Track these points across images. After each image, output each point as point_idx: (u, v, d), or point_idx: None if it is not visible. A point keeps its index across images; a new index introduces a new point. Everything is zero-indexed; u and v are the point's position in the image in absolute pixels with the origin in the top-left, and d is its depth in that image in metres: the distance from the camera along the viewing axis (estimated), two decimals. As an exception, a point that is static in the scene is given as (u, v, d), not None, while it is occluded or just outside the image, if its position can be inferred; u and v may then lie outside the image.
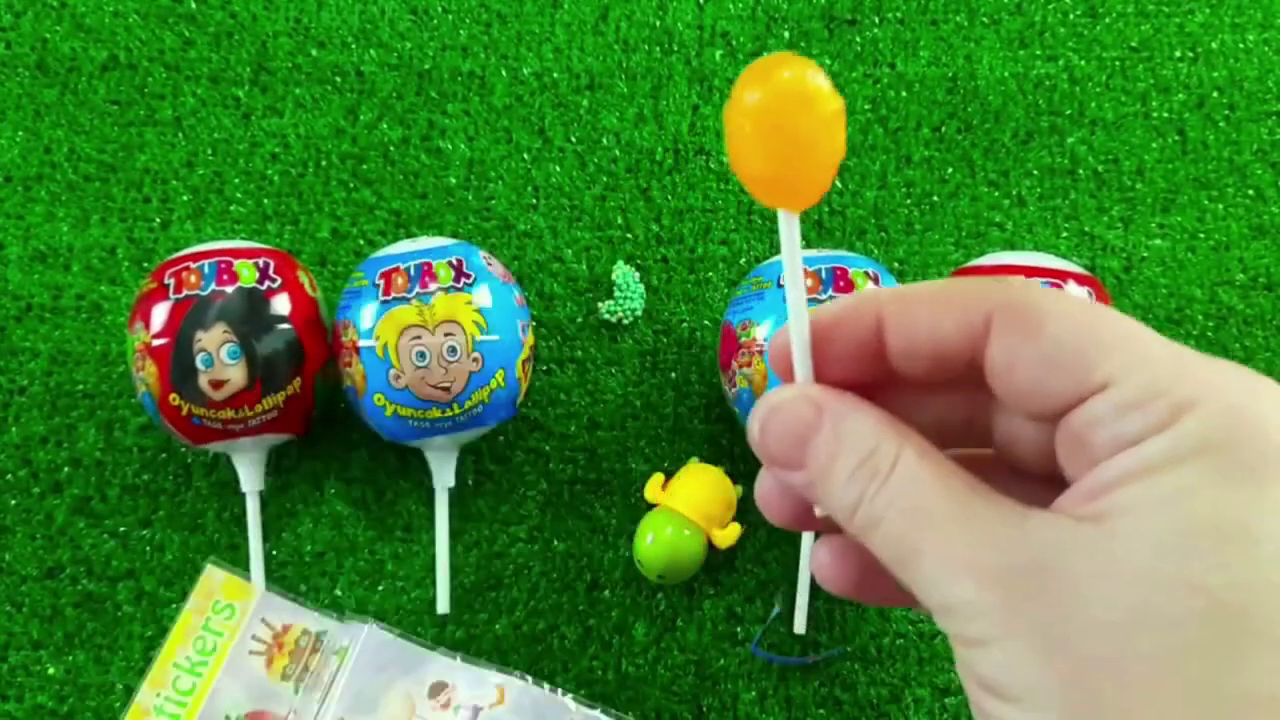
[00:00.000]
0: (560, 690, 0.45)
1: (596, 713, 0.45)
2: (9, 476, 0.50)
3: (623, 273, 0.53)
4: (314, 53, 0.58)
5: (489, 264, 0.46)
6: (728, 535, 0.47)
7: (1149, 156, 0.57)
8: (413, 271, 0.44)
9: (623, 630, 0.48)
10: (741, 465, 0.50)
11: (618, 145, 0.56)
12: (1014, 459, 0.21)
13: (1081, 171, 0.56)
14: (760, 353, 0.44)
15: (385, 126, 0.56)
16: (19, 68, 0.57)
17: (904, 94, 0.58)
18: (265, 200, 0.55)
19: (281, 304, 0.45)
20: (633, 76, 0.58)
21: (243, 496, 0.48)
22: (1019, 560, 0.17)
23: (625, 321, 0.53)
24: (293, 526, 0.50)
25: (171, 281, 0.44)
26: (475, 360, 0.44)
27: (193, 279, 0.44)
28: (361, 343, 0.44)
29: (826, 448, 0.20)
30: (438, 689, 0.45)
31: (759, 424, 0.21)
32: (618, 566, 0.49)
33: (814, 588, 0.48)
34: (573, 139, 0.56)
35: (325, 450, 0.51)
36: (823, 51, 0.59)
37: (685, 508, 0.46)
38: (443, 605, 0.48)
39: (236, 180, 0.55)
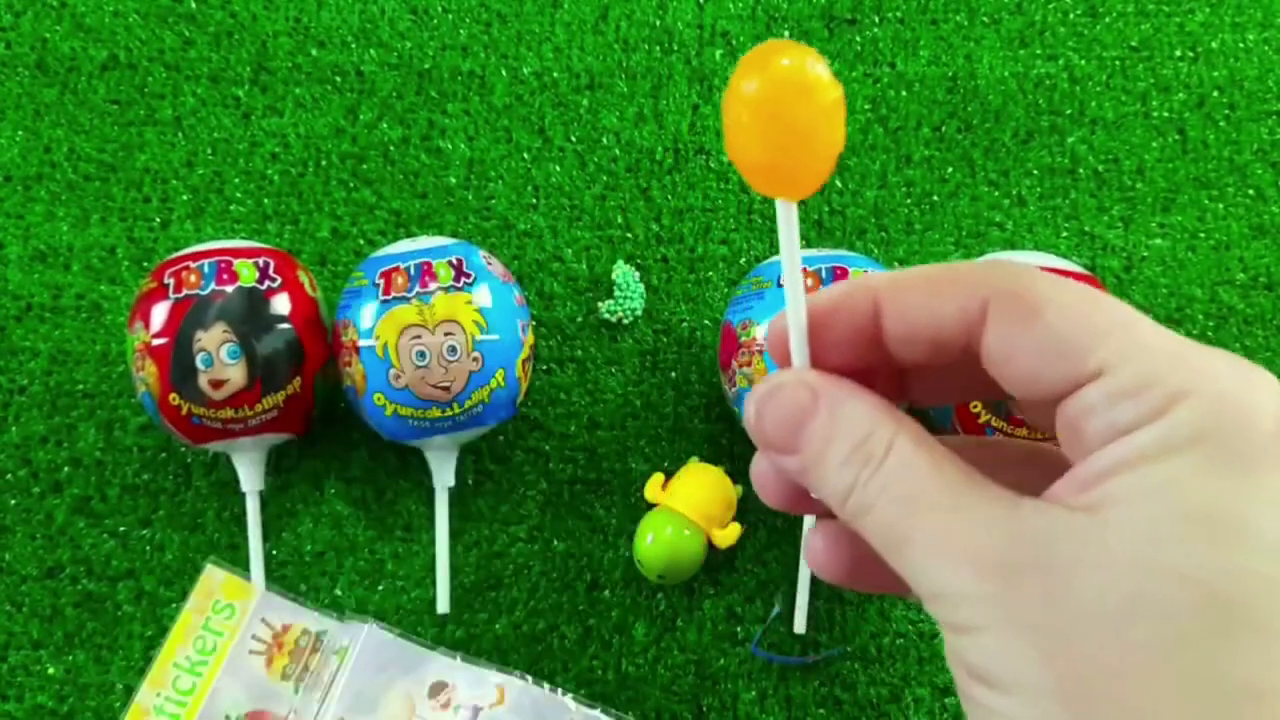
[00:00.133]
0: (560, 690, 0.45)
1: (596, 712, 0.45)
2: (9, 476, 0.50)
3: (623, 272, 0.53)
4: (314, 52, 0.58)
5: (489, 263, 0.46)
6: (728, 535, 0.47)
7: (1149, 156, 0.57)
8: (413, 271, 0.44)
9: (623, 630, 0.48)
10: (741, 465, 0.50)
11: (618, 145, 0.56)
12: (1031, 426, 0.22)
13: (1082, 171, 0.56)
14: (760, 352, 0.44)
15: (385, 126, 0.56)
16: (19, 67, 0.57)
17: (904, 93, 0.58)
18: (265, 200, 0.55)
19: (281, 304, 0.45)
20: (633, 76, 0.58)
21: (243, 496, 0.48)
22: (1010, 548, 0.17)
23: (625, 321, 0.53)
24: (293, 526, 0.50)
25: (171, 281, 0.44)
26: (475, 360, 0.44)
27: (193, 279, 0.44)
28: (361, 342, 0.44)
29: (821, 433, 0.20)
30: (438, 689, 0.45)
31: (755, 407, 0.21)
32: (618, 566, 0.49)
33: (814, 587, 0.48)
34: (573, 138, 0.56)
35: (325, 450, 0.51)
36: (823, 51, 0.59)
37: (685, 508, 0.46)
38: (443, 605, 0.48)
39: (236, 180, 0.55)
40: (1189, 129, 0.57)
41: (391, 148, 0.56)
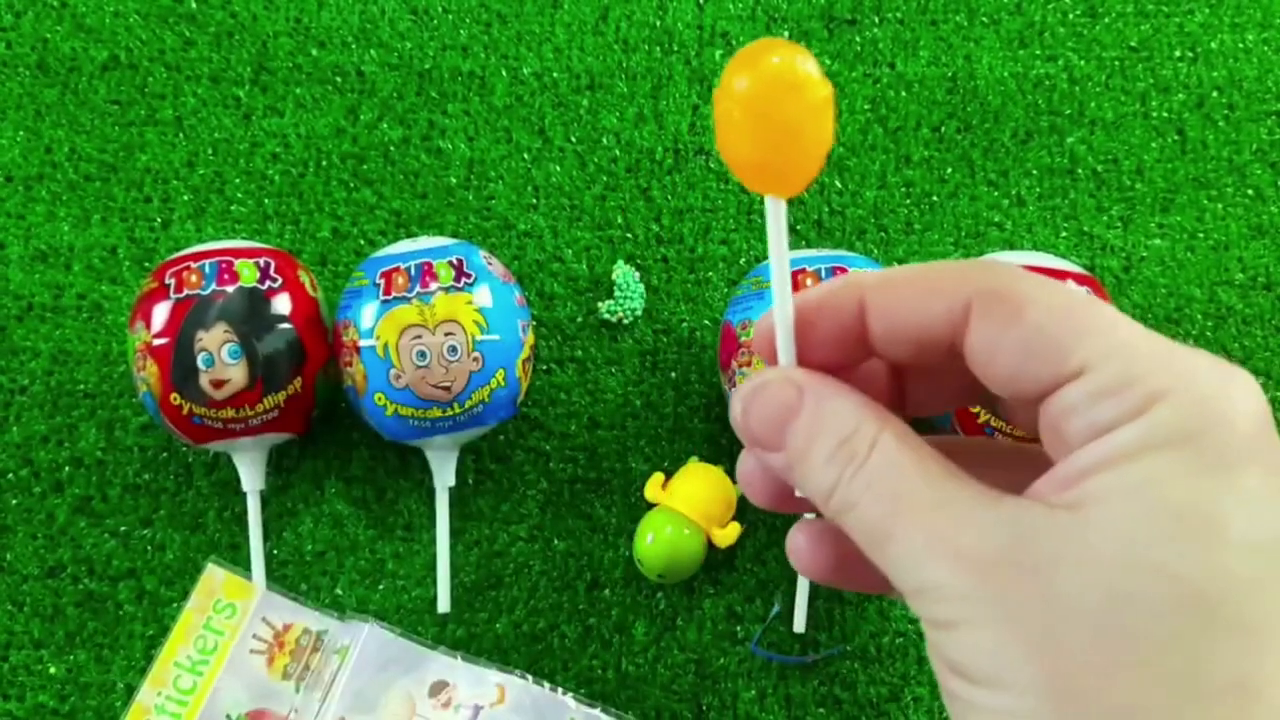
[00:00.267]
0: (560, 689, 0.45)
1: (597, 711, 0.45)
2: (10, 476, 0.50)
3: (623, 272, 0.53)
4: (314, 53, 0.58)
5: (489, 264, 0.46)
6: (727, 534, 0.47)
7: (1148, 156, 0.57)
8: (413, 271, 0.44)
9: (623, 629, 0.48)
10: (741, 464, 0.50)
11: (618, 145, 0.56)
12: (1021, 428, 0.22)
13: (1081, 171, 0.56)
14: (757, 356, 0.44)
15: (386, 126, 0.56)
16: (20, 67, 0.57)
17: (903, 94, 0.58)
18: (266, 200, 0.55)
19: (282, 303, 0.45)
20: (633, 76, 0.58)
21: (243, 496, 0.48)
22: (991, 545, 0.17)
23: (625, 321, 0.53)
24: (293, 526, 0.50)
25: (172, 281, 0.44)
26: (476, 360, 0.44)
27: (193, 279, 0.44)
28: (362, 342, 0.44)
29: (806, 429, 0.20)
30: (438, 688, 0.45)
31: (740, 404, 0.21)
32: (618, 566, 0.49)
33: (813, 587, 0.48)
34: (573, 139, 0.56)
35: (326, 449, 0.51)
36: (822, 51, 0.59)
37: (685, 507, 0.46)
38: (443, 604, 0.48)
39: (237, 180, 0.55)
40: (1188, 129, 0.57)
41: (392, 148, 0.56)
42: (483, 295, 0.45)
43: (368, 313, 0.44)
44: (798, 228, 0.55)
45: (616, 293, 0.53)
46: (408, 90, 0.57)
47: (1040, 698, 0.16)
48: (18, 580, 0.48)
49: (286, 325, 0.45)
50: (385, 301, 0.44)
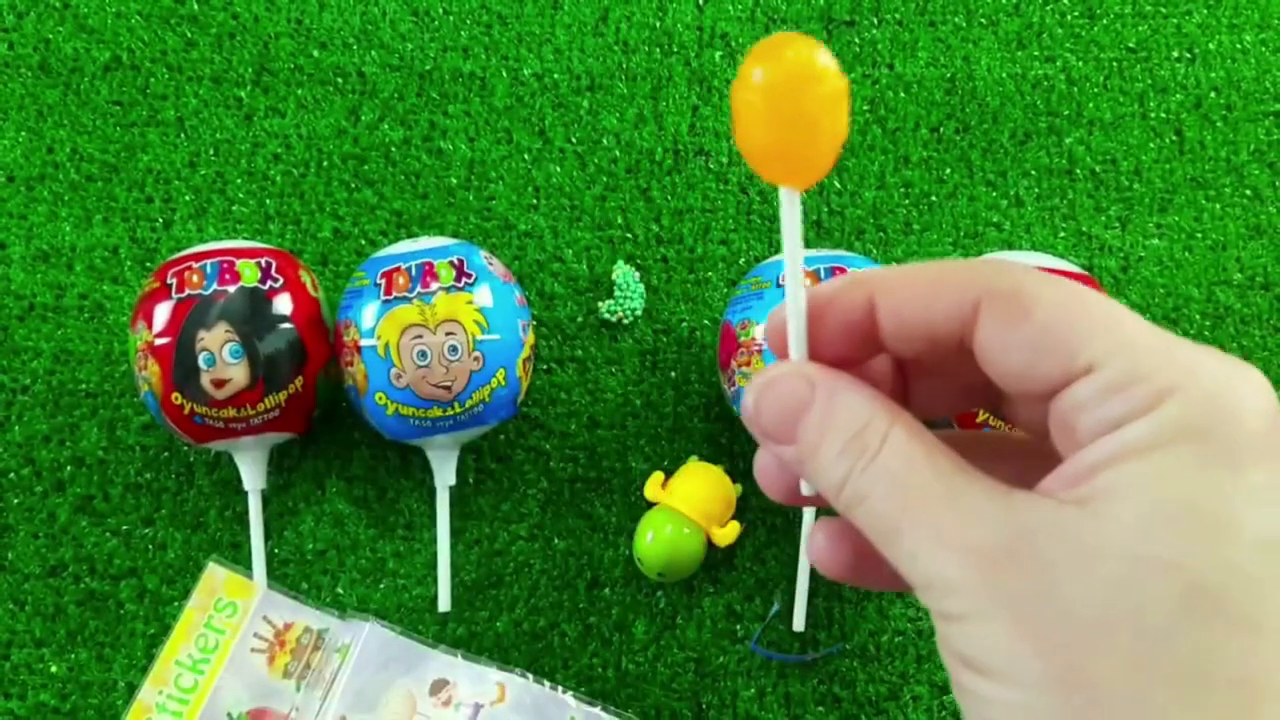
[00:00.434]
0: (561, 688, 0.46)
1: (597, 710, 0.45)
2: (12, 475, 0.50)
3: (623, 272, 0.53)
4: (316, 54, 0.58)
5: (490, 264, 0.46)
6: (727, 533, 0.47)
7: (1146, 157, 0.57)
8: (414, 271, 0.44)
9: (623, 628, 0.48)
10: (741, 464, 0.51)
11: (618, 146, 0.57)
12: (1022, 428, 0.22)
13: (1079, 172, 0.56)
14: (760, 351, 0.44)
15: (386, 127, 0.57)
16: (22, 68, 0.57)
17: (902, 95, 0.58)
18: (267, 200, 0.55)
19: (283, 303, 0.45)
20: (633, 78, 0.58)
21: (244, 495, 0.48)
22: (1000, 539, 0.17)
23: (625, 321, 0.53)
24: (294, 525, 0.50)
25: (174, 281, 0.45)
26: (476, 359, 0.44)
27: (195, 279, 0.44)
28: (363, 342, 0.44)
29: (818, 423, 0.20)
30: (439, 686, 0.45)
31: (752, 398, 0.21)
32: (618, 564, 0.49)
33: (813, 586, 0.48)
34: (573, 139, 0.57)
35: (327, 449, 0.51)
36: (822, 52, 0.59)
37: (685, 506, 0.47)
38: (444, 603, 0.48)
39: (239, 180, 0.55)
40: (1186, 130, 0.57)
41: (393, 148, 0.56)
42: (483, 295, 0.45)
43: (369, 312, 0.44)
44: (797, 228, 0.55)
45: (616, 293, 0.53)
46: (409, 91, 0.57)
47: (1047, 692, 0.16)
48: (19, 579, 0.48)
49: (288, 325, 0.45)
50: (386, 301, 0.44)
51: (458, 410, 0.44)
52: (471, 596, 0.49)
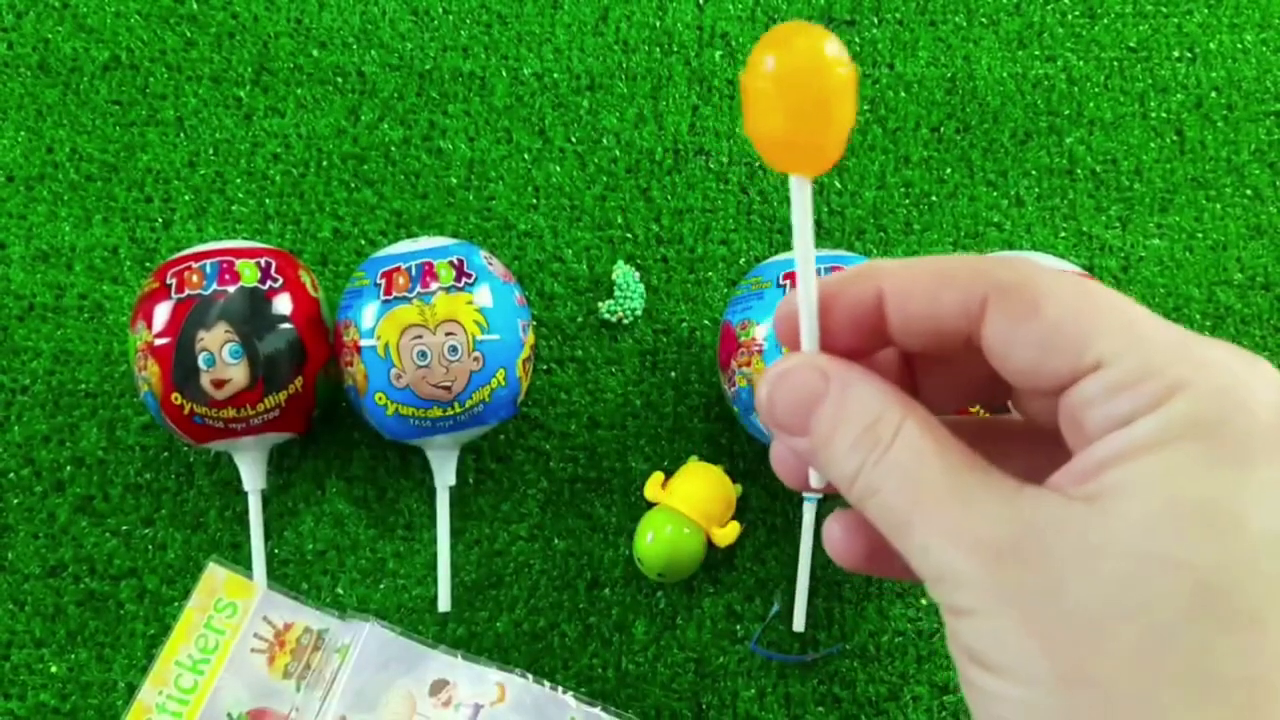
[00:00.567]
0: (561, 688, 0.46)
1: (597, 710, 0.45)
2: (12, 475, 0.50)
3: (623, 272, 0.53)
4: (315, 53, 0.58)
5: (490, 264, 0.46)
6: (727, 534, 0.47)
7: (1147, 156, 0.57)
8: (414, 271, 0.44)
9: (623, 628, 0.48)
10: (741, 464, 0.50)
11: (618, 145, 0.57)
12: (1031, 420, 0.22)
13: (1079, 171, 0.56)
14: (760, 352, 0.44)
15: (386, 127, 0.57)
16: (21, 68, 0.57)
17: (903, 94, 0.58)
18: (267, 200, 0.55)
19: (283, 303, 0.45)
20: (633, 77, 0.58)
21: (244, 495, 0.48)
22: (1009, 534, 0.17)
23: (625, 321, 0.53)
24: (294, 525, 0.50)
25: (173, 281, 0.45)
26: (476, 359, 0.44)
27: (194, 279, 0.44)
28: (363, 342, 0.44)
29: (831, 415, 0.20)
30: (439, 687, 0.45)
31: (766, 389, 0.21)
32: (618, 565, 0.49)
33: (813, 586, 0.48)
34: (573, 139, 0.57)
35: (327, 449, 0.51)
36: (822, 52, 0.59)
37: (685, 506, 0.47)
38: (444, 603, 0.48)
39: (238, 180, 0.55)
40: (1187, 130, 0.57)
41: (393, 148, 0.56)
42: (483, 295, 0.45)
43: (368, 312, 0.44)
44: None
45: (616, 293, 0.53)
46: (408, 91, 0.57)
47: (1052, 688, 0.16)
48: (19, 579, 0.48)
49: (287, 325, 0.45)
50: (386, 301, 0.44)
51: (458, 410, 0.44)
52: (471, 597, 0.49)
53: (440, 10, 0.59)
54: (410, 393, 0.44)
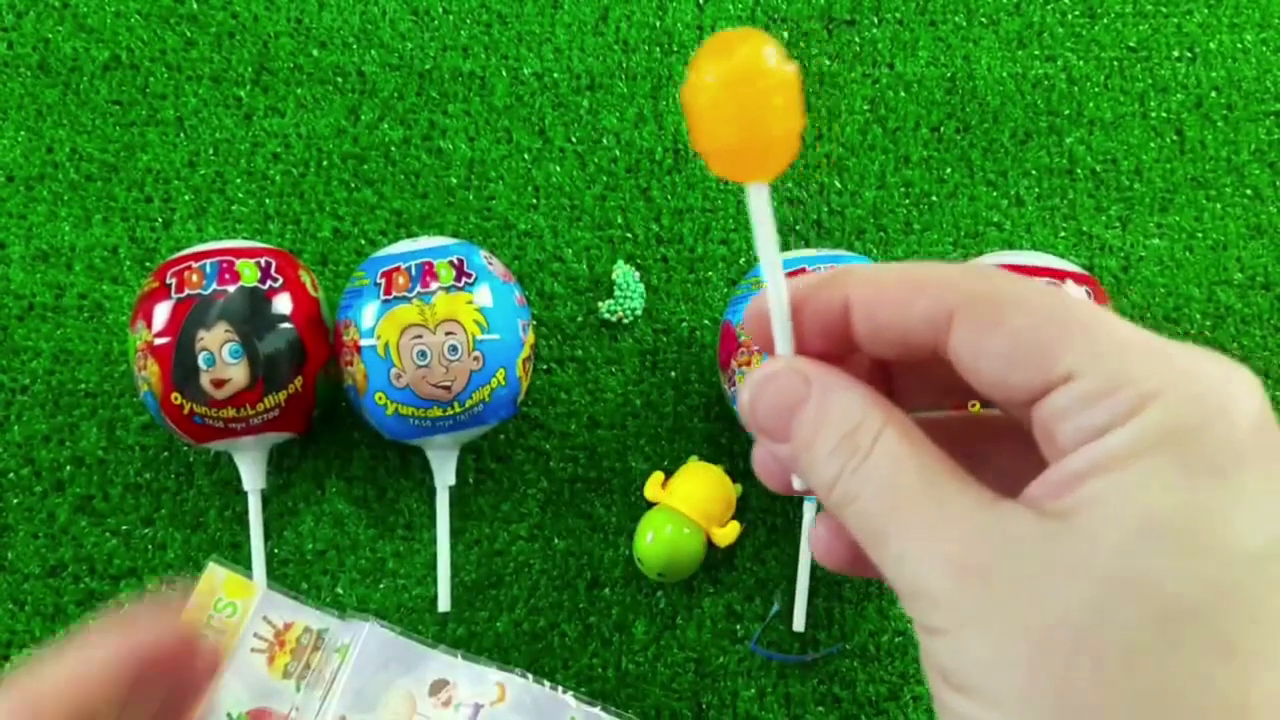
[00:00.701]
0: (561, 688, 0.46)
1: (597, 710, 0.45)
2: (11, 475, 0.50)
3: (623, 272, 0.53)
4: (315, 53, 0.58)
5: (489, 263, 0.46)
6: (727, 533, 0.47)
7: (1147, 156, 0.57)
8: (414, 271, 0.44)
9: (623, 628, 0.48)
10: (741, 464, 0.50)
11: (618, 145, 0.57)
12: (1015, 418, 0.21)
13: (1080, 171, 0.56)
14: (760, 351, 0.44)
15: (386, 126, 0.57)
16: (21, 68, 0.57)
17: (903, 94, 0.58)
18: (267, 200, 0.55)
19: (283, 303, 0.45)
20: (633, 77, 0.58)
21: (244, 495, 0.48)
22: (982, 553, 0.17)
23: (625, 321, 0.53)
24: (294, 525, 0.50)
25: (173, 281, 0.45)
26: (476, 359, 0.44)
27: (194, 278, 0.44)
28: (363, 342, 0.44)
29: (811, 421, 0.20)
30: (438, 686, 0.45)
31: (748, 394, 0.21)
32: (618, 565, 0.49)
33: (813, 585, 0.48)
34: (573, 139, 0.57)
35: (326, 449, 0.51)
36: (822, 51, 0.59)
37: (685, 506, 0.47)
38: (443, 603, 0.48)
39: (238, 180, 0.55)
40: (1187, 129, 0.57)
41: (393, 148, 0.56)
42: (483, 295, 0.45)
43: (368, 312, 0.44)
44: (797, 228, 0.55)
45: (616, 292, 0.53)
46: (408, 90, 0.57)
47: (1024, 712, 0.16)
48: (19, 579, 0.48)
49: (287, 325, 0.45)
50: (386, 301, 0.44)
51: (457, 410, 0.44)
52: (471, 596, 0.49)
53: (440, 10, 0.59)
54: (410, 392, 0.44)
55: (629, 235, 0.55)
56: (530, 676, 0.46)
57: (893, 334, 0.20)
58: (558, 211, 0.55)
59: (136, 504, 0.50)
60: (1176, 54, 0.59)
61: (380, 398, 0.44)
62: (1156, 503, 0.16)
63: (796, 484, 0.22)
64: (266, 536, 0.49)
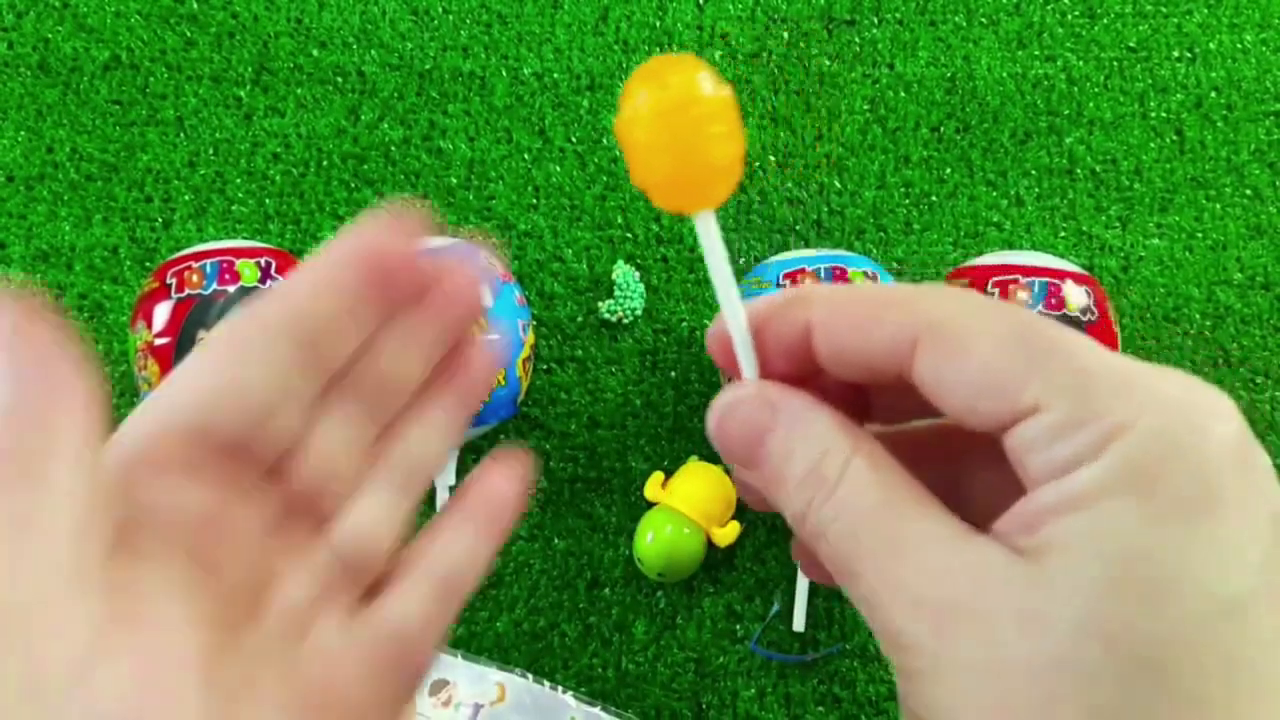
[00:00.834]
0: (561, 687, 0.46)
1: (597, 710, 0.45)
2: (12, 475, 0.50)
3: (623, 272, 0.53)
4: (315, 53, 0.58)
5: (490, 263, 0.46)
6: (727, 534, 0.47)
7: (1147, 156, 0.57)
8: (414, 271, 0.44)
9: (623, 628, 0.48)
10: (741, 464, 0.50)
11: (618, 145, 0.57)
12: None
13: (1079, 171, 0.56)
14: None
15: (386, 126, 0.57)
16: (21, 68, 0.57)
17: (903, 94, 0.58)
18: (267, 200, 0.55)
19: (283, 303, 0.45)
20: (633, 77, 0.58)
21: (244, 495, 0.48)
22: (953, 596, 0.16)
23: (625, 321, 0.53)
24: (294, 525, 0.50)
25: (173, 281, 0.45)
26: (476, 359, 0.44)
27: (194, 278, 0.44)
28: (363, 342, 0.44)
29: (779, 450, 0.19)
30: (438, 686, 0.45)
31: (715, 422, 0.20)
32: (618, 564, 0.49)
33: (813, 586, 0.48)
34: (573, 139, 0.57)
35: (326, 449, 0.51)
36: (822, 52, 0.59)
37: (685, 506, 0.47)
38: (444, 603, 0.48)
39: (238, 180, 0.55)
40: (1186, 129, 0.57)
41: (393, 148, 0.56)
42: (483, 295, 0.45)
43: (368, 312, 0.44)
44: (797, 228, 0.55)
45: (616, 292, 0.53)
46: (408, 90, 0.57)
47: None
48: (19, 579, 0.48)
49: (287, 325, 0.45)
50: (386, 301, 0.44)
51: (458, 410, 0.44)
52: (471, 596, 0.49)
53: (440, 10, 0.59)
54: (410, 392, 0.44)
55: (629, 235, 0.55)
56: (530, 676, 0.46)
57: (856, 359, 0.19)
58: (558, 211, 0.55)
59: (137, 504, 0.50)
60: (1176, 54, 0.59)
61: (380, 398, 0.44)
62: (1121, 547, 0.15)
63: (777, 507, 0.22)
64: (267, 536, 0.49)
